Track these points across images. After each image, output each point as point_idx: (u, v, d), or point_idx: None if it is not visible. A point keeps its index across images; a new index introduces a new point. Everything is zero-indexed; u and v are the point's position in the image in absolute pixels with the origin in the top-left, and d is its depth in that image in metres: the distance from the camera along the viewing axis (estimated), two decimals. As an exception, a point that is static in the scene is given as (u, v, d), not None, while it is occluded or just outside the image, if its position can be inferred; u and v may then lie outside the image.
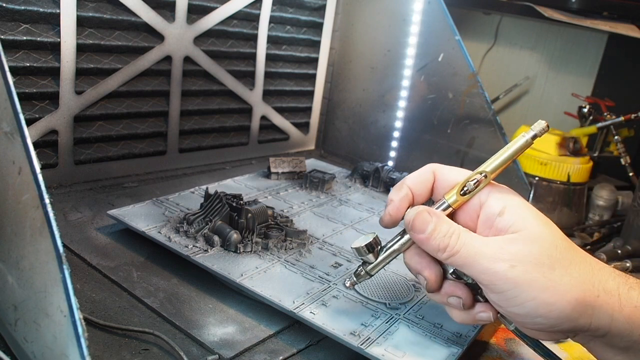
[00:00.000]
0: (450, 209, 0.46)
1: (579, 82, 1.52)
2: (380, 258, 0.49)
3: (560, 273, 0.41)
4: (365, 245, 0.48)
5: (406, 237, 0.48)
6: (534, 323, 0.43)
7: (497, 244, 0.42)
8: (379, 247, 0.49)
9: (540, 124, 0.44)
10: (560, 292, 0.41)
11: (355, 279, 0.51)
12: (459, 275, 0.46)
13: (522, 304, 0.42)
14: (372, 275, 0.50)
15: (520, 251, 0.42)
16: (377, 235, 0.49)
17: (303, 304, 0.56)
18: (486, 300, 0.46)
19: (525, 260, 0.41)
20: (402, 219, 0.47)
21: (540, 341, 0.47)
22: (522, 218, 0.43)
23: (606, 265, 0.44)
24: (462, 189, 0.46)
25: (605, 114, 1.23)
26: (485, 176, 0.45)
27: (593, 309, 0.41)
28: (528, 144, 0.45)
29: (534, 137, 0.45)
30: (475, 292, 0.46)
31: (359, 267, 0.51)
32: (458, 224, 0.45)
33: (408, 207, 0.47)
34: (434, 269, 0.46)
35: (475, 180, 0.45)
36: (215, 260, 0.62)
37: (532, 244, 0.42)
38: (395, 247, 0.48)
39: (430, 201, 0.49)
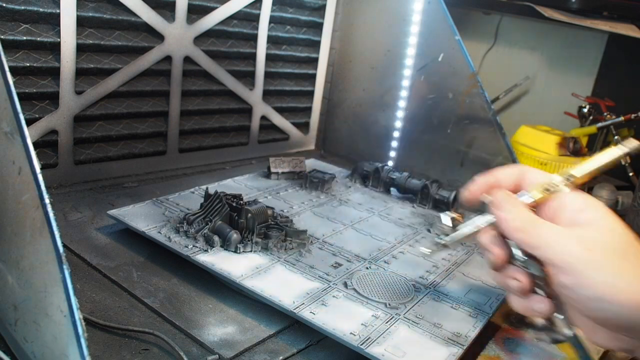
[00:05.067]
0: (533, 202, 0.48)
1: (579, 82, 1.52)
2: (458, 232, 0.52)
3: (634, 265, 0.42)
4: (450, 217, 0.52)
5: (486, 218, 0.50)
6: (600, 309, 0.43)
7: (575, 230, 0.44)
8: (460, 223, 0.52)
9: (632, 142, 0.47)
10: (632, 282, 0.42)
11: (434, 247, 0.53)
12: (525, 265, 0.48)
13: (593, 287, 0.42)
14: (448, 247, 0.53)
15: (596, 238, 0.43)
16: (463, 214, 0.52)
17: (303, 304, 0.56)
18: (547, 296, 0.47)
19: (602, 247, 0.43)
20: (479, 200, 0.49)
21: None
22: (602, 216, 0.45)
23: None
24: (547, 187, 0.48)
25: (605, 114, 1.23)
26: (571, 179, 0.47)
27: None
28: (619, 158, 0.47)
29: (627, 154, 0.47)
30: (536, 284, 0.48)
31: (439, 237, 0.53)
32: None
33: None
34: (503, 249, 0.48)
35: (561, 181, 0.47)
36: (215, 260, 0.62)
37: (609, 234, 0.44)
38: (474, 225, 0.51)
39: None
